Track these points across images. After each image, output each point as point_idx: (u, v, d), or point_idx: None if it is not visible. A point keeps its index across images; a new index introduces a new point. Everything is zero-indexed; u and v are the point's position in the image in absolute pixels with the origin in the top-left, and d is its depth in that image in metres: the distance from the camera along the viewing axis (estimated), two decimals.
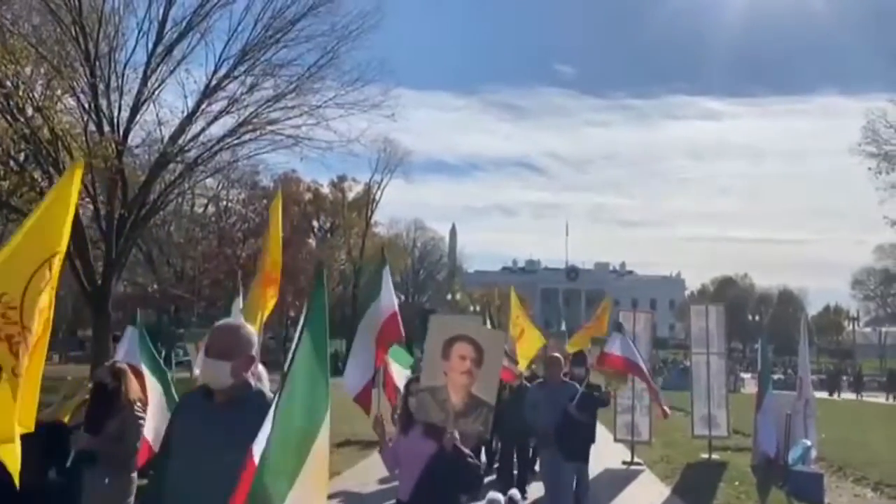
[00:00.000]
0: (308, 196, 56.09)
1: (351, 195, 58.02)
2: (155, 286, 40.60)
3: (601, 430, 8.95)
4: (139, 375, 5.68)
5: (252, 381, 2.79)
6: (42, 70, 17.39)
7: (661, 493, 9.63)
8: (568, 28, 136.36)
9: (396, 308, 7.03)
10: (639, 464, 11.60)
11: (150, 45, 19.39)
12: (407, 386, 4.61)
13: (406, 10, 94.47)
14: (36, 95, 17.31)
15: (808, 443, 9.63)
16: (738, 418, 13.07)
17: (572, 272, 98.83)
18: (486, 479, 8.00)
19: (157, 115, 20.17)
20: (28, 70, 16.71)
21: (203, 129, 20.57)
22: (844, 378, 42.82)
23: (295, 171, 47.59)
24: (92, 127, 18.28)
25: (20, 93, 16.23)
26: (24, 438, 3.01)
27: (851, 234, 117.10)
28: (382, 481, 9.05)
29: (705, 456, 12.10)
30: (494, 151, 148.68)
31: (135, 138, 20.89)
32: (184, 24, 19.57)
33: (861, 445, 13.57)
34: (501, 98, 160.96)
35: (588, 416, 7.08)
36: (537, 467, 8.54)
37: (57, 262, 3.11)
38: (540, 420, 7.09)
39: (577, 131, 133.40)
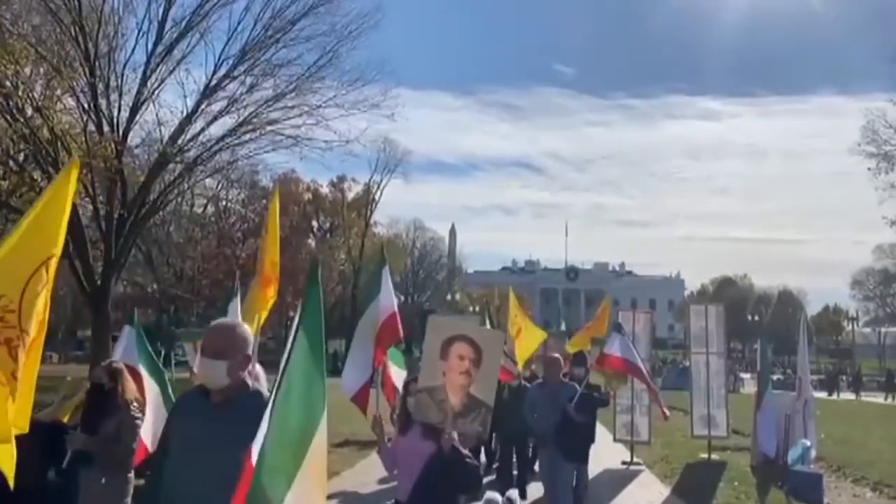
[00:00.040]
0: (307, 196, 56.20)
1: (350, 195, 58.17)
2: (154, 286, 40.63)
3: (601, 431, 8.94)
4: (137, 375, 5.66)
5: (249, 381, 2.77)
6: (42, 70, 17.41)
7: (660, 493, 9.62)
8: (567, 28, 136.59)
9: (396, 308, 7.00)
10: (638, 464, 11.60)
11: (150, 45, 19.47)
12: (405, 386, 4.59)
13: (406, 11, 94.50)
14: (35, 95, 17.33)
15: (808, 443, 9.59)
16: (737, 418, 13.05)
17: (572, 272, 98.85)
18: (486, 480, 7.99)
19: (156, 115, 20.24)
20: (28, 70, 16.72)
21: (203, 129, 20.62)
22: (843, 378, 42.88)
23: (294, 171, 47.77)
24: (91, 127, 18.29)
25: (20, 93, 16.25)
26: (24, 439, 2.99)
27: (851, 234, 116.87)
28: (381, 481, 9.04)
29: (705, 456, 12.08)
30: (494, 151, 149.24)
31: (134, 138, 20.99)
32: (183, 24, 19.62)
33: (860, 445, 13.58)
34: (501, 98, 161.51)
35: (587, 417, 7.07)
36: (537, 467, 8.53)
37: (53, 264, 3.08)
38: (539, 420, 7.10)
39: (577, 131, 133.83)
